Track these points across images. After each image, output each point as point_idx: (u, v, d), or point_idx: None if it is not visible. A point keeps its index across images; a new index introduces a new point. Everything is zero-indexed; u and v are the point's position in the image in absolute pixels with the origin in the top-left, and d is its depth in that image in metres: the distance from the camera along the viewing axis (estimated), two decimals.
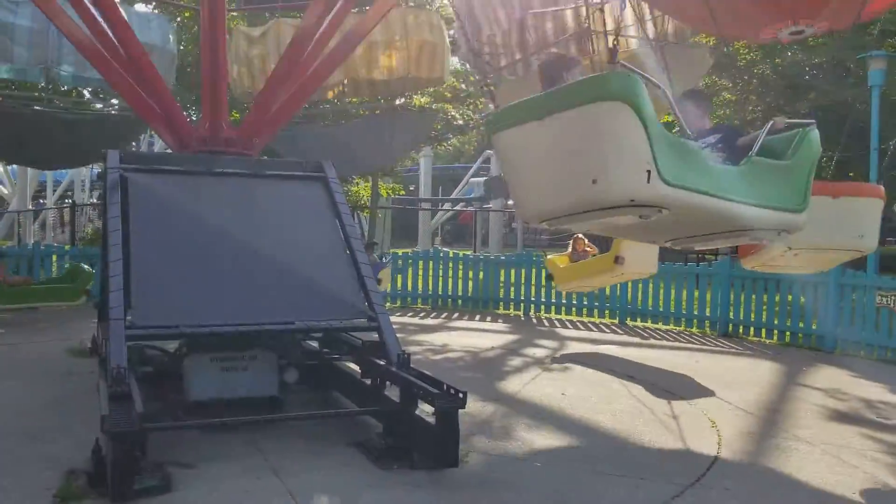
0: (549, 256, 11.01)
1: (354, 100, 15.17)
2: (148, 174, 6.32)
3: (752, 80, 19.02)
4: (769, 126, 4.92)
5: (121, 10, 7.95)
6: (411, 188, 32.17)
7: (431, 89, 16.43)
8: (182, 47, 15.42)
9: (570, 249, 10.96)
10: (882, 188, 6.46)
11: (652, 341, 10.82)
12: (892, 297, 9.38)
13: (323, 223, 6.56)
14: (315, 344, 7.15)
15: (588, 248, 10.80)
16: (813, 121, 5.14)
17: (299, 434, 5.62)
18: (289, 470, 4.87)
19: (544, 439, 5.80)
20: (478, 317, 13.00)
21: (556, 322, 12.57)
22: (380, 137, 14.38)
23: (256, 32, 12.85)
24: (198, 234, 6.01)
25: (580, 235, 10.74)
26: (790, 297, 10.63)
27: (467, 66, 16.05)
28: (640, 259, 9.06)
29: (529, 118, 4.21)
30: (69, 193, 29.19)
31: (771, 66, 18.33)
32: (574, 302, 13.12)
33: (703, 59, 10.10)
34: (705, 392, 7.61)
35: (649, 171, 3.85)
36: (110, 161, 6.24)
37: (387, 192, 21.42)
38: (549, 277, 10.78)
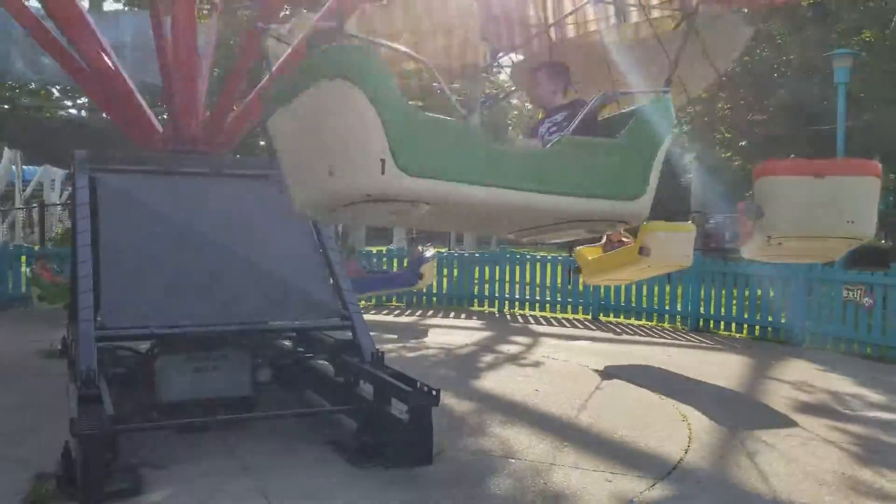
0: (578, 248, 9.86)
1: None
2: (117, 174, 6.26)
3: (722, 78, 19.27)
4: (598, 98, 4.25)
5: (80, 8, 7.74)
6: None
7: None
8: None
9: (603, 239, 9.60)
10: (878, 164, 5.78)
11: (625, 336, 10.93)
12: (859, 292, 9.55)
13: (295, 222, 6.54)
14: (288, 343, 7.12)
15: (624, 239, 9.30)
16: (666, 88, 4.33)
17: (273, 433, 5.61)
18: (262, 469, 4.86)
19: (517, 435, 5.84)
20: (452, 314, 13.04)
21: (530, 318, 12.64)
22: None
23: (285, 29, 12.39)
24: (168, 234, 5.96)
25: None
26: (760, 292, 10.79)
27: None
28: (670, 249, 7.88)
29: (280, 101, 3.77)
30: (39, 193, 28.75)
31: (740, 64, 18.58)
32: (548, 298, 13.21)
33: (738, 31, 8.71)
34: (677, 386, 7.70)
35: (383, 161, 3.38)
36: (79, 161, 6.17)
37: None
38: (577, 270, 9.64)
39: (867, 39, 19.25)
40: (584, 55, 7.89)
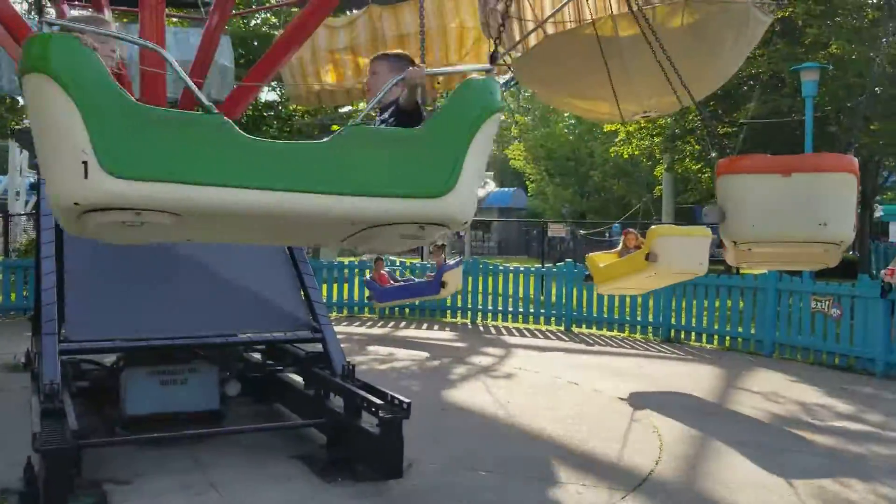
0: (591, 254, 9.35)
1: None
2: None
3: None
4: (396, 78, 3.62)
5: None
6: None
7: None
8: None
9: (620, 246, 9.24)
10: (853, 159, 5.23)
11: (597, 347, 10.96)
12: (827, 303, 9.68)
13: None
14: (258, 355, 7.05)
15: (641, 245, 8.58)
16: (489, 66, 3.75)
17: (241, 448, 5.53)
18: (229, 484, 4.78)
19: (490, 447, 5.81)
20: (425, 325, 13.00)
21: (502, 330, 12.63)
22: None
23: (339, 22, 11.30)
24: (135, 246, 5.87)
25: (631, 229, 9.29)
26: (730, 303, 10.88)
27: None
28: (680, 256, 7.17)
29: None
30: (3, 201, 28.30)
31: None
32: (521, 310, 13.22)
33: (751, 20, 7.51)
34: (648, 397, 7.73)
35: (86, 163, 2.87)
36: None
37: None
38: (588, 278, 9.09)
39: (834, 53, 19.60)
40: (579, 50, 7.56)
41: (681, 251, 7.05)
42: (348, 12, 12.28)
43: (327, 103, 13.18)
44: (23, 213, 23.83)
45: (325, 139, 3.29)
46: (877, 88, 19.93)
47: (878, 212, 30.83)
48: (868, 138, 17.96)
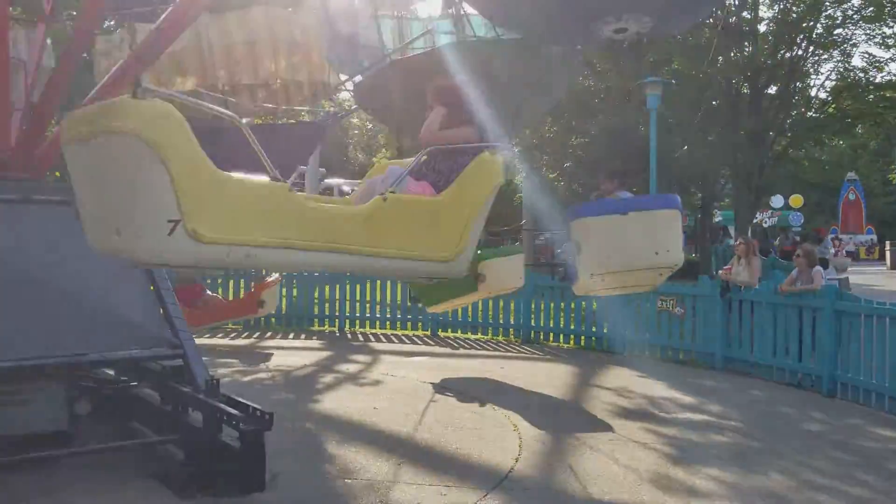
0: None
1: None
2: None
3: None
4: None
5: None
6: None
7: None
8: None
9: None
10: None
11: (462, 351, 11.20)
12: (671, 302, 10.36)
13: None
14: (111, 371, 6.72)
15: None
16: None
17: (94, 469, 5.26)
18: None
19: (355, 455, 5.84)
20: (291, 335, 12.81)
21: (370, 336, 12.66)
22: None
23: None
24: None
25: None
26: (584, 305, 11.42)
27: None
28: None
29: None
30: None
31: None
32: (388, 316, 13.28)
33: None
34: (509, 396, 8.01)
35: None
36: None
37: None
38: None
39: (677, 68, 20.99)
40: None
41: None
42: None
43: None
44: None
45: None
46: (713, 102, 21.55)
47: (717, 217, 33.32)
48: (706, 149, 19.34)
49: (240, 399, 5.18)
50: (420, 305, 10.42)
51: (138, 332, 5.63)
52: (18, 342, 5.12)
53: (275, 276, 11.76)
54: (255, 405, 5.01)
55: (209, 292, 12.11)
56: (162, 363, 6.09)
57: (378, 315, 13.33)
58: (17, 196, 6.22)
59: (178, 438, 5.38)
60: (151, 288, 6.02)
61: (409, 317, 13.13)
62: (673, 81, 17.63)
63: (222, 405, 5.07)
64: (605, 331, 11.15)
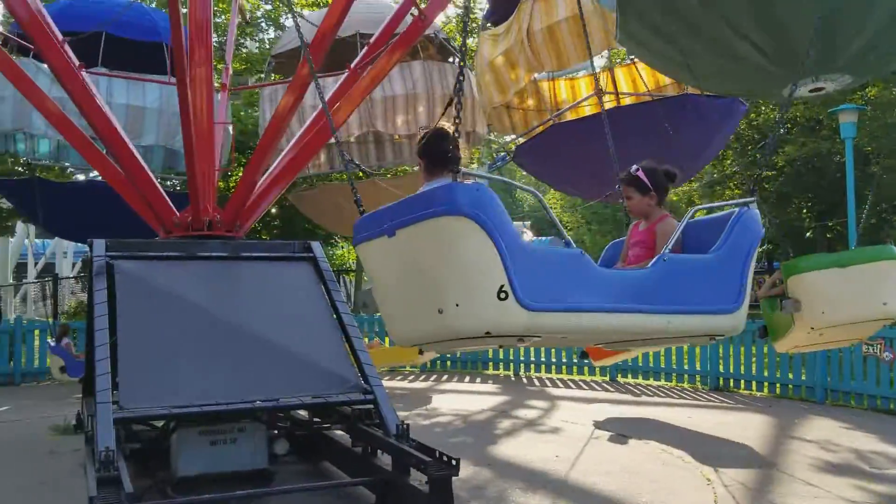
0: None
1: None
2: (133, 260, 6.40)
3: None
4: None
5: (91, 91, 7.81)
6: None
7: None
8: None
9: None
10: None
11: (644, 398, 10.78)
12: (878, 346, 9.44)
13: (311, 300, 6.60)
14: (304, 413, 7.07)
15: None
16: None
17: None
18: None
19: (540, 503, 5.72)
20: (467, 378, 12.92)
21: (546, 381, 12.50)
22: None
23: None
24: (183, 316, 6.01)
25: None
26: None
27: None
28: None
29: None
30: (52, 265, 29.07)
31: (746, 122, 18.80)
32: (564, 360, 13.08)
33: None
34: (699, 448, 7.56)
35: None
36: (96, 249, 6.34)
37: None
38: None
39: (871, 96, 19.45)
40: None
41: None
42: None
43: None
44: (70, 275, 24.44)
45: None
46: None
47: None
48: None
49: (427, 445, 5.24)
50: (587, 361, 10.23)
51: (332, 377, 5.89)
52: (230, 386, 5.52)
53: None
54: (441, 450, 5.05)
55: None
56: (353, 406, 6.33)
57: (554, 360, 13.16)
58: (227, 253, 6.81)
59: (369, 480, 5.52)
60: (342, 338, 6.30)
61: (585, 362, 12.85)
62: (868, 107, 16.34)
63: (412, 450, 5.15)
64: (802, 378, 10.33)
